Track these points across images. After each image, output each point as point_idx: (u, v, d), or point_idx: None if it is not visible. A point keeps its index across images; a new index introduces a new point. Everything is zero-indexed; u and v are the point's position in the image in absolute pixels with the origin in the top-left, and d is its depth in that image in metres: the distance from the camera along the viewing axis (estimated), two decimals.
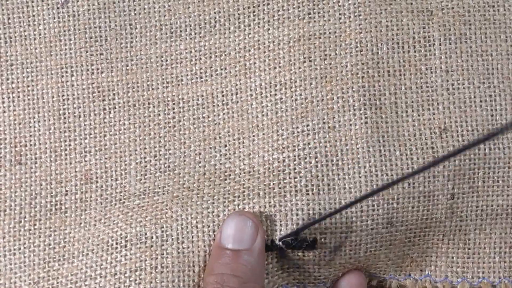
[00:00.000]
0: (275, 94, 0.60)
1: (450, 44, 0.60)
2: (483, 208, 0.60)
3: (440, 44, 0.60)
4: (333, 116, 0.59)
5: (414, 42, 0.60)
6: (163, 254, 0.57)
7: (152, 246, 0.57)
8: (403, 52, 0.60)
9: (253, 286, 0.54)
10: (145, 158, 0.61)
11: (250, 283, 0.54)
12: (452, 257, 0.60)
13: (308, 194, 0.58)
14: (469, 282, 0.60)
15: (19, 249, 0.60)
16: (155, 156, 0.61)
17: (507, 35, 0.60)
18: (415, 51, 0.60)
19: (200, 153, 0.61)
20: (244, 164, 0.60)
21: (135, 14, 0.62)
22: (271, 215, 0.58)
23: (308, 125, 0.59)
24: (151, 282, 0.57)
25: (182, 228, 0.58)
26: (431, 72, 0.60)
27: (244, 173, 0.60)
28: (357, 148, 0.59)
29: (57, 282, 0.59)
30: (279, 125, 0.60)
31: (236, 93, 0.61)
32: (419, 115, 0.60)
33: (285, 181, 0.59)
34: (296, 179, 0.58)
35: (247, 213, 0.57)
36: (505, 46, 0.60)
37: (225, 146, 0.61)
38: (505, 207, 0.60)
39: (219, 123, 0.61)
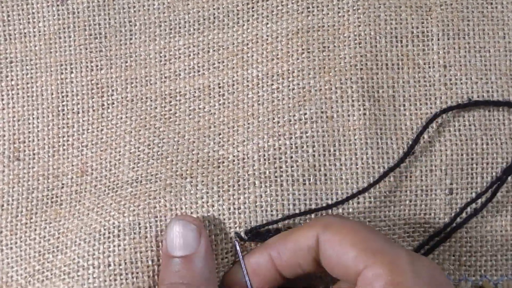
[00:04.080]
0: (272, 84, 0.60)
1: (448, 39, 0.60)
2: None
3: (438, 39, 0.60)
4: (331, 105, 0.59)
5: (413, 37, 0.60)
6: (159, 246, 0.57)
7: (146, 236, 0.57)
8: (402, 46, 0.60)
9: None
10: (138, 147, 0.61)
11: (202, 286, 0.54)
12: (454, 255, 0.60)
13: (305, 184, 0.58)
14: (470, 281, 0.60)
15: (16, 243, 0.60)
16: (149, 145, 0.61)
17: (505, 32, 0.61)
18: (413, 46, 0.60)
19: (194, 142, 0.61)
20: (238, 151, 0.60)
21: (134, 11, 0.62)
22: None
23: (305, 114, 0.59)
24: (148, 275, 0.56)
25: None
26: (429, 67, 0.60)
27: (238, 160, 0.59)
28: (355, 139, 0.59)
29: (51, 274, 0.59)
30: (275, 113, 0.59)
31: (233, 85, 0.61)
32: (416, 109, 0.60)
33: (281, 169, 0.58)
34: (293, 168, 0.58)
35: (187, 217, 0.57)
36: (503, 43, 0.61)
37: (219, 134, 0.60)
38: (504, 203, 0.60)
39: (214, 113, 0.61)
